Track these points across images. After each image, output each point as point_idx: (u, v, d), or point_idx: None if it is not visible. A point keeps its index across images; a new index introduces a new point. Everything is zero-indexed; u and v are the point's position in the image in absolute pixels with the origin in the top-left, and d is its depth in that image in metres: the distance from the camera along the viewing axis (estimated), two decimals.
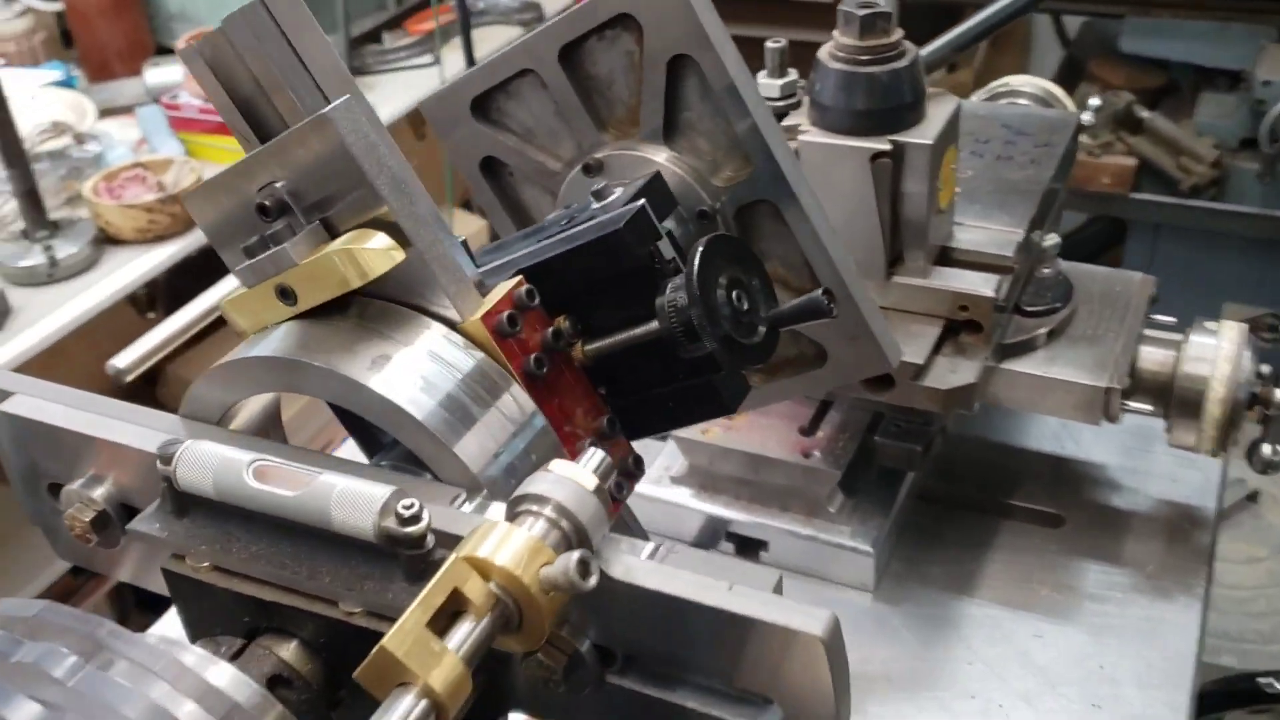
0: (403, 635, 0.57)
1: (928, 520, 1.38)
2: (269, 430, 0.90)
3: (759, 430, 1.34)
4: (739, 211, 0.99)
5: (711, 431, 1.35)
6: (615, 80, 0.98)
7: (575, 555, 0.60)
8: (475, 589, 0.60)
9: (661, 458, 1.39)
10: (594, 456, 0.69)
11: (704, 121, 0.96)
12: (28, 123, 2.43)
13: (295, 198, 0.75)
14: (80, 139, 2.48)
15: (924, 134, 1.12)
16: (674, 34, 0.92)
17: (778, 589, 0.65)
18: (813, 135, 1.15)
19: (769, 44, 1.18)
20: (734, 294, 0.78)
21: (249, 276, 0.77)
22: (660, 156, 0.97)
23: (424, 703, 0.57)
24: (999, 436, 1.49)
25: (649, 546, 0.69)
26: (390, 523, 0.65)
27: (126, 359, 1.49)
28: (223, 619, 0.73)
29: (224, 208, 0.78)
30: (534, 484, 0.66)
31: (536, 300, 0.78)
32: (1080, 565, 1.30)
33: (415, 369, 0.75)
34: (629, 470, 0.81)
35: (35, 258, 2.25)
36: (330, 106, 0.72)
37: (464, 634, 0.59)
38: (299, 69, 0.74)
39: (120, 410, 0.86)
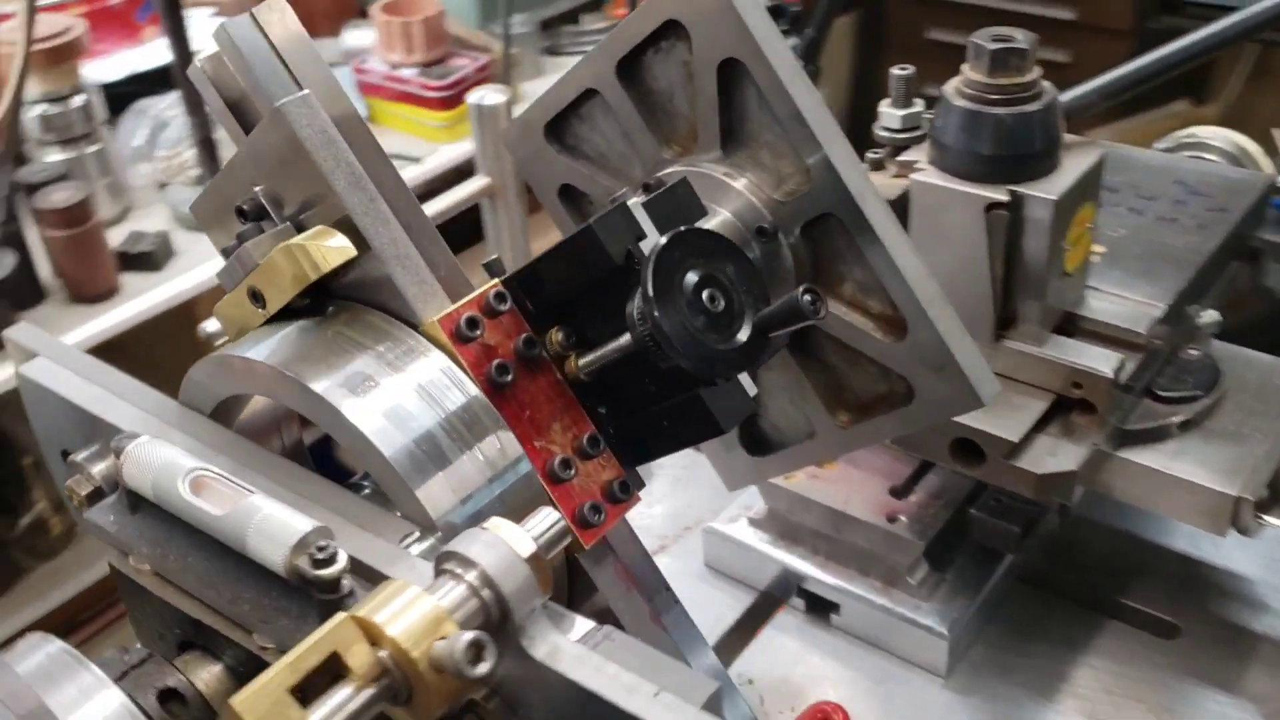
0: (258, 697, 0.52)
1: (1025, 606, 1.25)
2: (280, 427, 0.87)
3: (847, 484, 1.24)
4: (806, 228, 0.89)
5: (795, 478, 1.26)
6: (675, 94, 0.90)
7: (466, 638, 0.54)
8: (359, 655, 0.54)
9: (745, 495, 1.31)
10: (544, 519, 0.62)
11: (764, 132, 0.87)
12: None
13: (274, 203, 0.72)
14: None
15: (1050, 187, 1.00)
16: (719, 36, 0.84)
17: (711, 705, 0.57)
18: (927, 175, 1.04)
19: (894, 71, 1.08)
20: (706, 294, 0.70)
21: (225, 279, 0.74)
22: (719, 171, 0.89)
23: None
24: (1126, 523, 1.34)
25: (585, 628, 0.61)
26: (303, 561, 0.60)
27: (216, 324, 1.49)
28: (159, 625, 0.70)
29: (219, 215, 0.75)
30: (464, 542, 0.60)
31: (508, 304, 0.73)
32: (1190, 688, 1.15)
33: (396, 398, 0.70)
34: (614, 495, 0.74)
35: None
36: (285, 99, 0.69)
37: (337, 704, 0.54)
38: (286, 79, 0.71)
39: (128, 389, 0.84)
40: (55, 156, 2.26)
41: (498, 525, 0.61)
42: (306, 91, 0.71)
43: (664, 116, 0.92)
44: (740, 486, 1.20)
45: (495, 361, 0.71)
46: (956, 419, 1.05)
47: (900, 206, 1.05)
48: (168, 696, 0.63)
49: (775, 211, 0.88)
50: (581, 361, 0.74)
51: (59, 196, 2.06)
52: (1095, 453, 1.06)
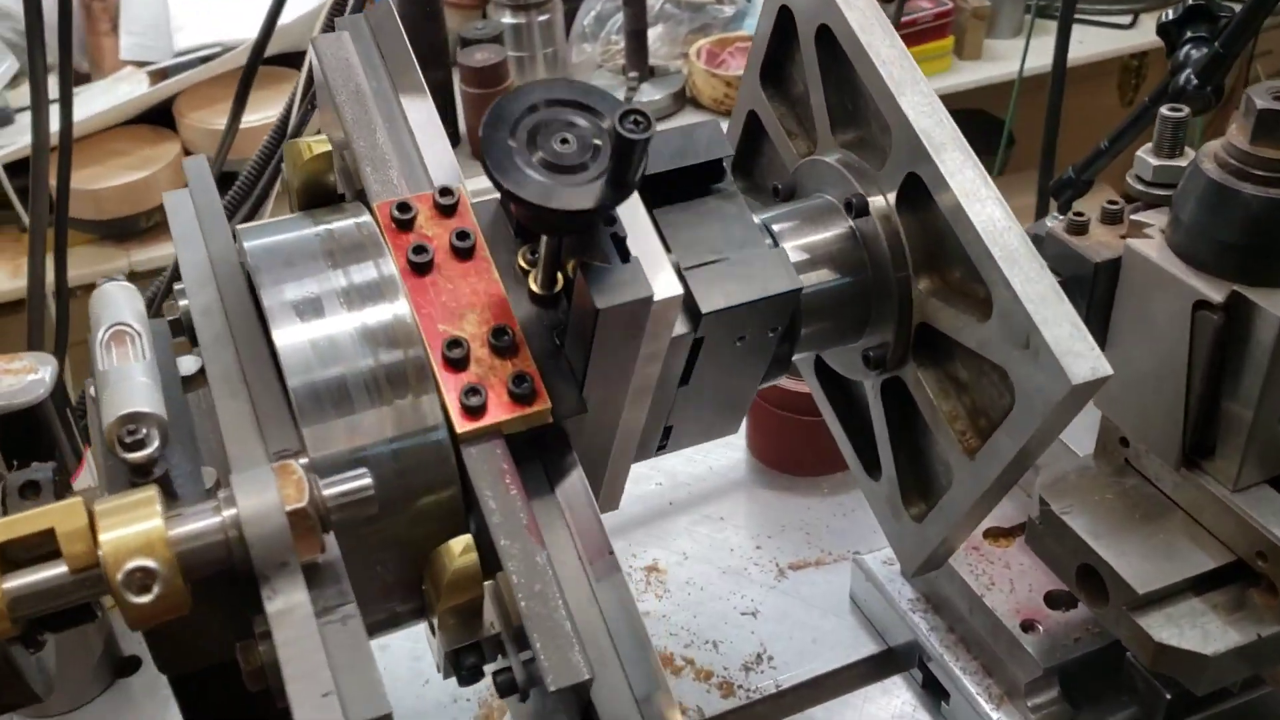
0: None
1: None
2: None
3: (1006, 569, 1.07)
4: (904, 201, 0.78)
5: None
6: (809, 96, 0.81)
7: (130, 565, 0.52)
8: (74, 542, 0.55)
9: None
10: (350, 480, 0.59)
11: (869, 104, 0.78)
12: None
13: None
14: None
15: None
16: (811, 5, 0.79)
17: None
18: (1145, 245, 0.84)
19: (1164, 110, 0.87)
20: (558, 138, 0.66)
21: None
22: (831, 156, 0.81)
23: None
24: None
25: (337, 602, 0.58)
26: (115, 438, 0.61)
27: None
28: None
29: None
30: (245, 478, 0.58)
31: (453, 198, 0.73)
32: None
33: (331, 331, 0.69)
34: (511, 390, 0.69)
35: (619, 93, 2.39)
36: (319, 35, 0.76)
37: (34, 579, 0.54)
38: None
39: (220, 240, 0.88)
40: (506, 19, 2.42)
41: (286, 470, 0.59)
42: (343, 31, 0.77)
43: (807, 121, 0.86)
44: (913, 566, 1.01)
45: (415, 243, 0.72)
46: (1093, 545, 0.87)
47: (1110, 272, 0.86)
48: (28, 490, 0.67)
49: (873, 188, 0.79)
50: (535, 282, 0.73)
51: (479, 56, 2.20)
52: (1264, 645, 0.83)
